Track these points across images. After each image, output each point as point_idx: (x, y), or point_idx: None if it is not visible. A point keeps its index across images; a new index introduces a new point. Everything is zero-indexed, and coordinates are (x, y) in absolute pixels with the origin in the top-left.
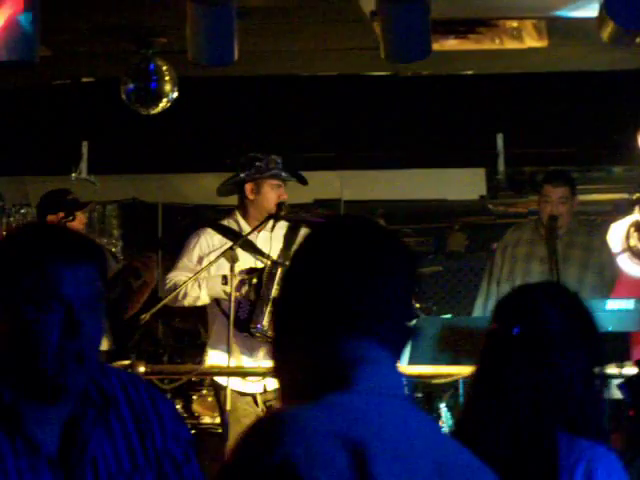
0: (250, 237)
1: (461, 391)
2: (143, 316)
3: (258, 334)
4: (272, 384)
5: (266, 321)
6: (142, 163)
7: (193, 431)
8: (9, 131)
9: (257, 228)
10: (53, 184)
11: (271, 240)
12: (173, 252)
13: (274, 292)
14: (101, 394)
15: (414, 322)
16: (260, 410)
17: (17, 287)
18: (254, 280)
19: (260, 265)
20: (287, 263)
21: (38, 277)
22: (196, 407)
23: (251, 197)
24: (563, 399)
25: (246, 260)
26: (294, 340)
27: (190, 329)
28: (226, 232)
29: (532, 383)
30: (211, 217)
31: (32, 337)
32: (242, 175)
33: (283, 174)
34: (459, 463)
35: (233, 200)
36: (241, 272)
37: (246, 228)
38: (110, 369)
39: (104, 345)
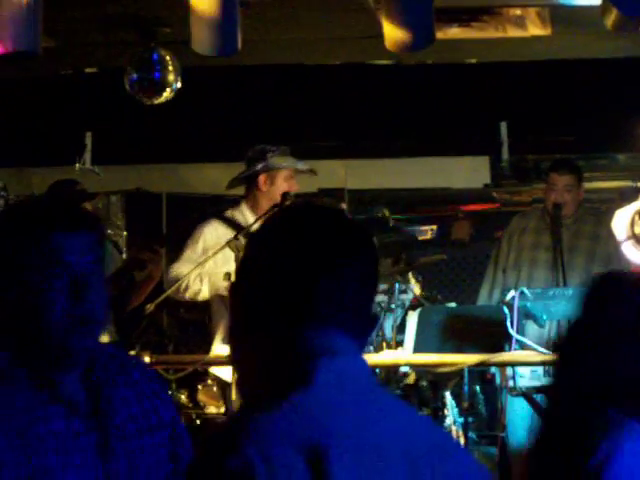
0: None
1: (466, 379)
2: (148, 306)
3: None
4: None
5: None
6: (146, 153)
7: (198, 421)
8: (13, 122)
9: (261, 219)
10: (57, 175)
11: None
12: (177, 244)
13: None
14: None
15: (418, 311)
16: None
17: (23, 256)
18: None
19: None
20: None
21: (43, 246)
22: (201, 397)
23: (264, 189)
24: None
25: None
26: (252, 331)
27: (195, 319)
28: (231, 224)
29: (608, 369)
30: (217, 209)
31: (39, 304)
32: (258, 167)
33: (299, 164)
34: (431, 448)
35: (238, 190)
36: None
37: (249, 218)
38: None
39: (105, 338)
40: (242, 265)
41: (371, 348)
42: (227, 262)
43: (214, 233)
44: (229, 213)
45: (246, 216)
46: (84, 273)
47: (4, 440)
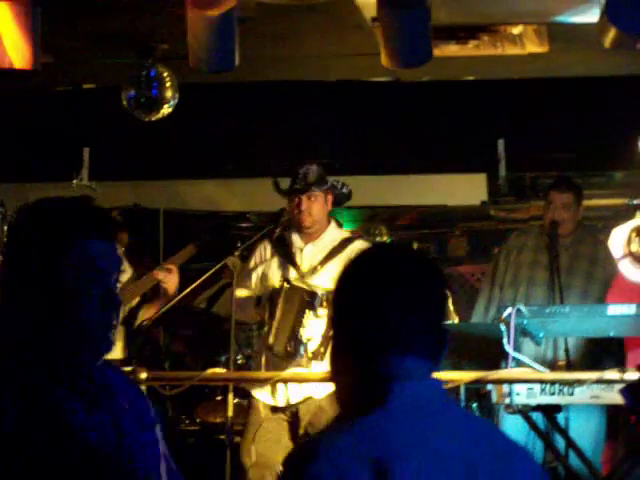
0: (297, 250)
1: (462, 397)
2: (145, 322)
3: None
4: (295, 397)
5: (272, 338)
6: (143, 169)
7: (192, 439)
8: (10, 137)
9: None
10: (54, 191)
11: (319, 252)
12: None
13: (279, 310)
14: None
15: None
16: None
17: (60, 262)
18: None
19: (280, 282)
20: (295, 279)
21: (81, 251)
22: (199, 413)
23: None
24: None
25: (286, 274)
26: (344, 357)
27: (192, 336)
28: (278, 244)
29: None
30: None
31: (79, 310)
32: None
33: (294, 187)
34: (493, 456)
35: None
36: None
37: (295, 239)
38: None
39: (119, 353)
40: (334, 303)
41: None
42: (264, 283)
43: (263, 253)
44: (284, 233)
45: (291, 235)
46: (113, 279)
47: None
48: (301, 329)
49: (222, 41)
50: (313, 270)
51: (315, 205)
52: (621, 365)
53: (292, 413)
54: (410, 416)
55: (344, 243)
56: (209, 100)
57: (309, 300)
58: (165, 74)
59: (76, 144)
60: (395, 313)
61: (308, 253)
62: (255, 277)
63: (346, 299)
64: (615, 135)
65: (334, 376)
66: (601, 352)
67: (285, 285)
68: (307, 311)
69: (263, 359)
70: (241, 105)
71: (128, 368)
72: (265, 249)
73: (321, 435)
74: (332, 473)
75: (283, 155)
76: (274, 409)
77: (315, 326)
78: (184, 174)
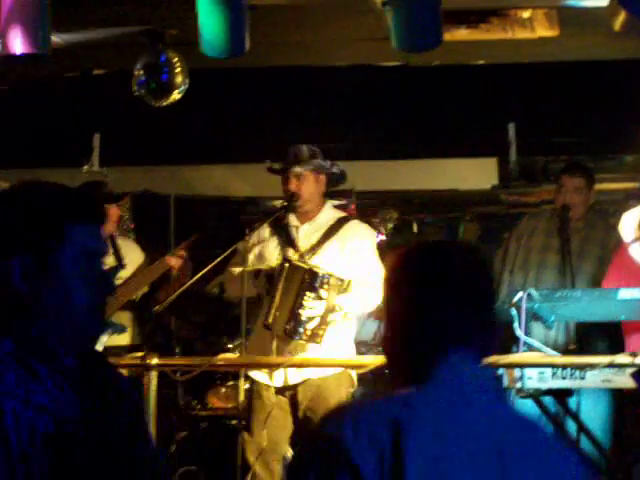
0: (293, 229)
1: None
2: (156, 308)
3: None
4: (294, 379)
5: (271, 318)
6: (154, 155)
7: (206, 423)
8: (21, 124)
9: (302, 220)
10: (65, 177)
11: (316, 231)
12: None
13: (279, 289)
14: None
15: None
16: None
17: (52, 243)
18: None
19: (278, 260)
20: (294, 259)
21: (72, 235)
22: (210, 399)
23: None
24: None
25: (284, 253)
26: (400, 348)
27: (203, 321)
28: (275, 225)
29: None
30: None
31: (69, 290)
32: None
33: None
34: (525, 445)
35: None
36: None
37: (291, 219)
38: None
39: (130, 339)
40: (388, 302)
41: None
42: (261, 261)
43: (261, 233)
44: (283, 214)
45: (288, 216)
46: (102, 262)
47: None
48: (300, 310)
49: (232, 26)
50: (312, 249)
51: (305, 184)
52: (614, 349)
53: (291, 395)
54: (445, 392)
55: (340, 222)
56: (219, 85)
57: (309, 281)
58: (175, 59)
59: (86, 130)
60: (451, 312)
61: (304, 232)
62: (252, 256)
63: (404, 296)
64: (626, 119)
65: (390, 361)
66: (596, 335)
67: (286, 265)
68: (307, 292)
69: (258, 338)
70: (251, 90)
71: (139, 354)
72: (263, 229)
73: (354, 403)
74: (349, 432)
75: (293, 140)
76: (275, 391)
77: (315, 307)
78: (194, 160)
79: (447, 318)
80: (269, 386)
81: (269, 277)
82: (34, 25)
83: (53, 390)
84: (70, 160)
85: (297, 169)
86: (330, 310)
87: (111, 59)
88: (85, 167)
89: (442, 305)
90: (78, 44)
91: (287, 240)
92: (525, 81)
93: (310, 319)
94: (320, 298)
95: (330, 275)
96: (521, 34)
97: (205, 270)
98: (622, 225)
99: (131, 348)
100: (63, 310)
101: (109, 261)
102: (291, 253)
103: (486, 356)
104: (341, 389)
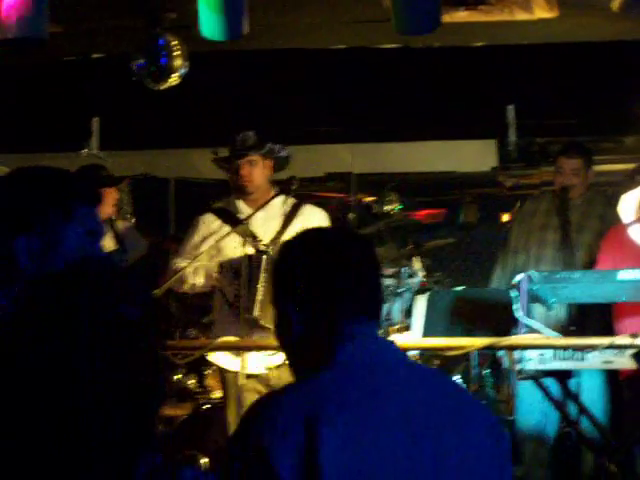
0: (251, 218)
1: (474, 363)
2: (155, 292)
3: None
4: (268, 364)
5: (257, 311)
6: (153, 139)
7: (207, 405)
8: (19, 108)
9: (263, 206)
10: (64, 161)
11: (273, 218)
12: (186, 229)
13: (261, 282)
14: None
15: (427, 294)
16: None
17: (61, 225)
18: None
19: (250, 251)
20: (272, 250)
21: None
22: (209, 382)
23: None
24: None
25: (237, 243)
26: (291, 324)
27: (203, 305)
28: (225, 216)
29: None
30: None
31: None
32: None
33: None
34: (445, 411)
35: None
36: (233, 261)
37: (241, 207)
38: None
39: None
40: (278, 276)
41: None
42: (220, 253)
43: (209, 226)
44: (223, 204)
45: (237, 205)
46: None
47: None
48: None
49: (231, 8)
50: (275, 239)
51: (255, 170)
52: (606, 331)
53: (265, 379)
54: (353, 370)
55: (296, 208)
56: (218, 68)
57: None
58: (174, 43)
59: (85, 114)
60: (340, 283)
61: (260, 220)
62: (204, 248)
63: (295, 270)
64: (625, 100)
65: (283, 343)
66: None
67: (264, 257)
68: None
69: (226, 330)
70: (250, 73)
71: None
72: (210, 220)
73: (266, 398)
74: (272, 431)
75: (293, 122)
76: (247, 376)
77: None
78: (193, 143)
79: (336, 300)
80: (240, 372)
81: (235, 271)
82: (32, 9)
83: None
84: (69, 144)
85: (252, 155)
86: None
87: (110, 43)
88: (84, 151)
89: (329, 289)
90: (76, 28)
91: (244, 230)
92: (524, 63)
93: None
94: None
95: None
96: (520, 15)
97: (205, 249)
98: (621, 206)
99: None
100: None
101: (109, 244)
102: (253, 243)
103: (380, 326)
104: None
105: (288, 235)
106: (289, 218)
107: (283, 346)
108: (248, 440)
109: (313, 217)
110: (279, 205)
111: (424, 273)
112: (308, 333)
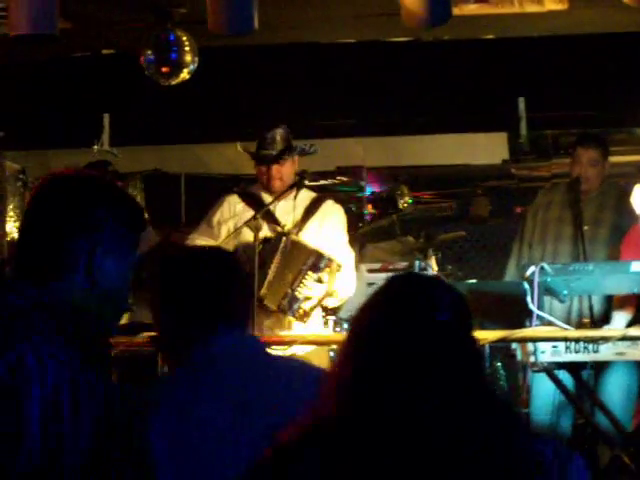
0: (271, 206)
1: (487, 356)
2: None
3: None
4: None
5: (264, 291)
6: (164, 134)
7: None
8: (30, 105)
9: (278, 197)
10: (75, 157)
11: (294, 209)
12: (197, 224)
13: (275, 263)
14: None
15: None
16: None
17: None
18: (258, 249)
19: (269, 234)
20: (294, 235)
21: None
22: None
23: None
24: None
25: (263, 229)
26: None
27: None
28: (250, 200)
29: None
30: (240, 186)
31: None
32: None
33: (264, 152)
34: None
35: (254, 170)
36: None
37: (265, 197)
38: None
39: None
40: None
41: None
42: (238, 236)
43: (232, 208)
44: (252, 188)
45: (261, 194)
46: None
47: None
48: (299, 288)
49: (241, 3)
50: (296, 227)
51: (285, 170)
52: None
53: None
54: (196, 368)
55: (316, 203)
56: (228, 63)
57: (314, 262)
58: (184, 38)
59: (96, 110)
60: (196, 306)
61: (281, 209)
62: (225, 230)
63: (159, 298)
64: (636, 91)
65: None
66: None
67: (283, 239)
68: (310, 272)
69: None
70: (261, 68)
71: (153, 333)
72: (234, 203)
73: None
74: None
75: (304, 117)
76: None
77: (313, 288)
78: (204, 138)
79: (191, 312)
80: None
81: (252, 250)
82: (42, 5)
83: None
84: (80, 141)
85: (285, 159)
86: (329, 294)
87: (120, 39)
88: (95, 147)
89: (188, 302)
90: (87, 24)
91: (266, 216)
92: (534, 55)
93: (307, 299)
94: (320, 281)
95: (332, 260)
96: (530, 7)
97: (225, 232)
98: (634, 197)
99: (142, 327)
100: (109, 289)
101: None
102: (279, 229)
103: (247, 326)
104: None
105: (307, 226)
106: (309, 212)
107: (160, 345)
108: None
109: (332, 213)
110: (300, 198)
111: (436, 267)
112: (178, 335)
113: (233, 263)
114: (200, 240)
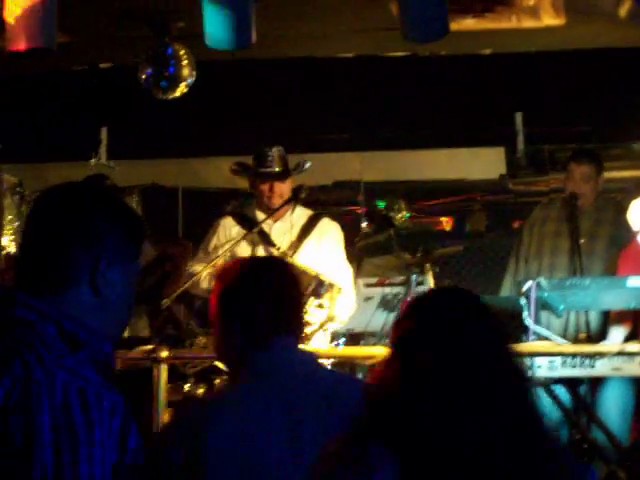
0: (265, 227)
1: None
2: (165, 301)
3: None
4: None
5: None
6: (161, 148)
7: None
8: (28, 118)
9: (274, 216)
10: (73, 170)
11: (291, 229)
12: (194, 237)
13: None
14: None
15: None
16: None
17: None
18: None
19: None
20: (290, 256)
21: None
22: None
23: (252, 190)
24: None
25: (258, 251)
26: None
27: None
28: (244, 222)
29: None
30: (234, 204)
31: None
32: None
33: (267, 170)
34: (313, 398)
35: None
36: None
37: (260, 216)
38: None
39: (144, 332)
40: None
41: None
42: (234, 258)
43: (228, 232)
44: (245, 210)
45: (255, 213)
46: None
47: None
48: None
49: (238, 18)
50: (292, 248)
51: (286, 187)
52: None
53: None
54: (257, 381)
55: (313, 221)
56: (225, 78)
57: (315, 288)
58: (182, 52)
59: (94, 123)
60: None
61: (277, 230)
62: (222, 254)
63: (225, 308)
64: (633, 107)
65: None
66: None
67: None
68: (311, 297)
69: None
70: (258, 82)
71: (149, 347)
72: (229, 227)
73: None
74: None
75: (301, 132)
76: None
77: (314, 314)
78: (202, 152)
79: (254, 323)
80: None
81: None
82: (40, 19)
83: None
84: (78, 154)
85: (291, 177)
86: (330, 319)
87: (118, 53)
88: (93, 160)
89: (251, 312)
90: (84, 38)
91: (261, 238)
92: (532, 70)
93: (308, 324)
94: (321, 306)
95: (332, 285)
96: (527, 23)
97: (215, 259)
98: (631, 213)
99: (144, 341)
100: (114, 300)
101: None
102: (269, 251)
103: (301, 342)
104: None
105: (304, 246)
106: (306, 231)
107: (224, 357)
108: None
109: (329, 231)
110: (296, 217)
111: (434, 281)
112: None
113: (292, 271)
114: (198, 266)
